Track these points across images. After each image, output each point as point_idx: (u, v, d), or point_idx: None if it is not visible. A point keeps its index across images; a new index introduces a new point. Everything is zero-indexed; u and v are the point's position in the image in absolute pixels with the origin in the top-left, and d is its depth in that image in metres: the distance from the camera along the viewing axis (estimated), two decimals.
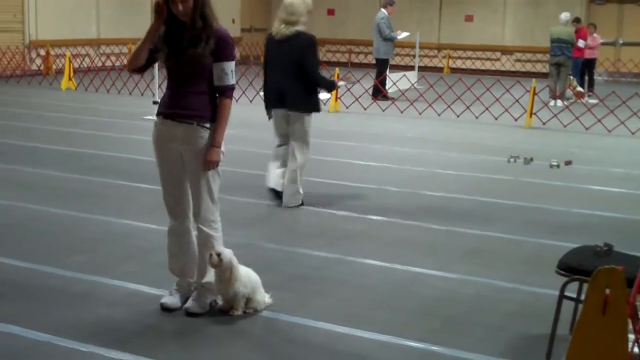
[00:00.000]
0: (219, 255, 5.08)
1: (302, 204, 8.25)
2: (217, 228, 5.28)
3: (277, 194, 8.26)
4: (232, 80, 5.14)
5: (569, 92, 18.54)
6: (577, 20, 19.59)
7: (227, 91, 5.15)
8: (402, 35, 19.04)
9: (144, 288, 5.72)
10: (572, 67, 18.84)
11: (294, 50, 7.98)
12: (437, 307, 5.58)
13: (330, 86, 8.77)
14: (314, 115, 8.32)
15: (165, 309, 5.30)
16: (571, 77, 18.88)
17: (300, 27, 8.08)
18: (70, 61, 19.06)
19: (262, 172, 9.87)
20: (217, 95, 5.16)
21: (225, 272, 5.12)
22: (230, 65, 5.11)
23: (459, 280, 6.15)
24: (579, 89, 18.89)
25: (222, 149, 5.15)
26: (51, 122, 13.72)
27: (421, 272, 6.29)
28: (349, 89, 16.86)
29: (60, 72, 20.54)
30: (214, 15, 5.07)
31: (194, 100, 5.09)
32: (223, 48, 5.06)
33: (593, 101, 17.28)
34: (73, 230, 7.25)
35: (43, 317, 5.16)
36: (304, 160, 8.25)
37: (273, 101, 8.18)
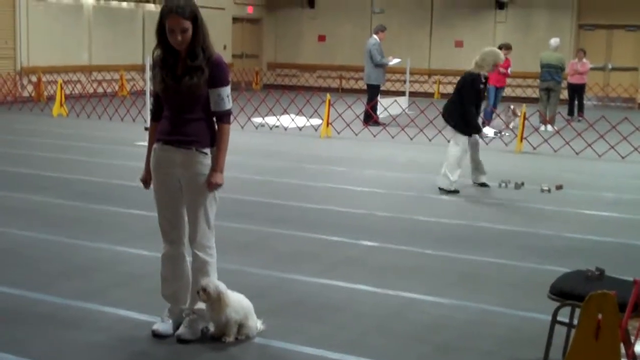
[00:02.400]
0: (204, 290, 5.09)
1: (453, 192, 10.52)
2: (212, 254, 5.28)
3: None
4: (228, 104, 5.17)
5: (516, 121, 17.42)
6: (505, 47, 17.78)
7: (224, 116, 5.18)
8: (394, 61, 19.14)
9: (135, 314, 5.70)
10: (493, 95, 17.89)
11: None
12: (430, 333, 5.57)
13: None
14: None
15: (157, 335, 5.28)
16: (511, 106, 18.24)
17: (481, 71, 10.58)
18: (61, 87, 19.08)
19: (255, 198, 9.91)
20: (214, 120, 5.18)
21: (214, 301, 5.11)
22: (226, 91, 5.15)
23: (451, 305, 6.15)
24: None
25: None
26: (42, 148, 13.71)
27: (414, 298, 6.29)
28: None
29: (51, 98, 20.55)
30: (212, 45, 5.10)
31: (192, 126, 5.11)
32: (218, 74, 5.09)
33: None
34: (63, 256, 7.23)
35: (33, 344, 5.13)
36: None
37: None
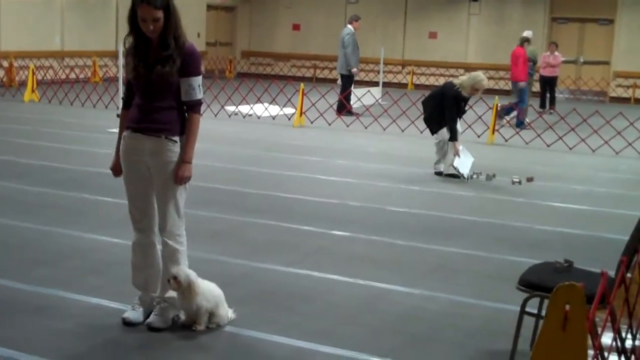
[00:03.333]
0: (175, 278, 5.09)
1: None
2: (182, 242, 5.28)
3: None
4: (199, 94, 5.16)
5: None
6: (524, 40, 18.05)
7: (195, 106, 5.17)
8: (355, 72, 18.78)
9: (106, 302, 5.69)
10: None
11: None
12: (401, 323, 5.61)
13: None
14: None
15: (128, 323, 5.27)
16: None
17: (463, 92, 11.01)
18: (33, 73, 18.92)
19: (227, 186, 9.90)
20: (185, 109, 5.17)
21: (185, 290, 5.12)
22: (198, 80, 5.14)
23: (422, 296, 6.19)
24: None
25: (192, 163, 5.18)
26: (14, 134, 13.60)
27: (385, 288, 6.32)
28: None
29: (23, 84, 20.34)
30: (184, 34, 5.09)
31: (162, 114, 5.10)
32: (190, 63, 5.08)
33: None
34: (35, 243, 7.19)
35: (4, 332, 5.10)
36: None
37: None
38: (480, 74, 11.24)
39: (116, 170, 5.36)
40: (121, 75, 18.48)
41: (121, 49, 18.86)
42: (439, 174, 11.41)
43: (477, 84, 10.99)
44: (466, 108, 11.43)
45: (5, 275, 6.19)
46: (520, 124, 16.71)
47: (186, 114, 5.18)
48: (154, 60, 5.03)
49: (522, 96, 17.33)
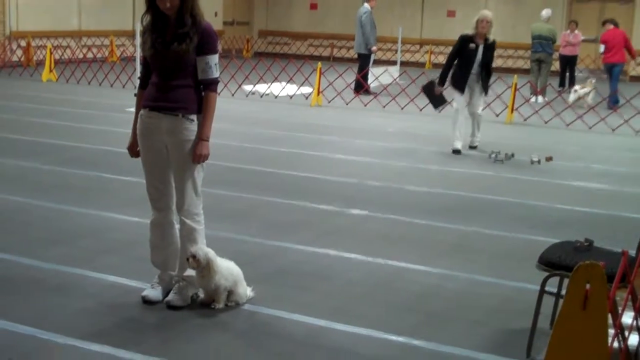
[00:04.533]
0: (194, 257, 5.09)
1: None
2: (200, 221, 5.28)
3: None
4: (216, 73, 5.15)
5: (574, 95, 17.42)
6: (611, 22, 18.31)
7: (211, 84, 5.15)
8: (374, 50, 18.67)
9: (124, 281, 5.70)
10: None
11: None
12: (419, 302, 5.59)
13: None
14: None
15: (147, 301, 5.28)
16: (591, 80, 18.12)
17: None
18: (51, 53, 18.96)
19: (245, 165, 9.90)
20: (201, 88, 5.15)
21: (204, 268, 5.12)
22: (214, 59, 5.12)
23: (441, 275, 6.17)
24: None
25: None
26: (31, 113, 13.64)
27: (404, 267, 6.31)
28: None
29: (41, 63, 20.40)
30: (201, 12, 5.07)
31: (179, 92, 5.08)
32: (207, 42, 5.06)
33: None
34: (53, 222, 7.21)
35: (23, 310, 5.13)
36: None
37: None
38: (482, 11, 11.64)
39: (133, 150, 5.35)
40: (138, 54, 18.53)
41: (138, 28, 18.89)
42: (473, 147, 11.75)
43: (478, 17, 11.31)
44: (480, 54, 11.20)
45: (23, 254, 6.21)
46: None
47: (203, 93, 5.17)
48: (171, 38, 5.01)
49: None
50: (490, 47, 11.29)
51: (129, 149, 5.38)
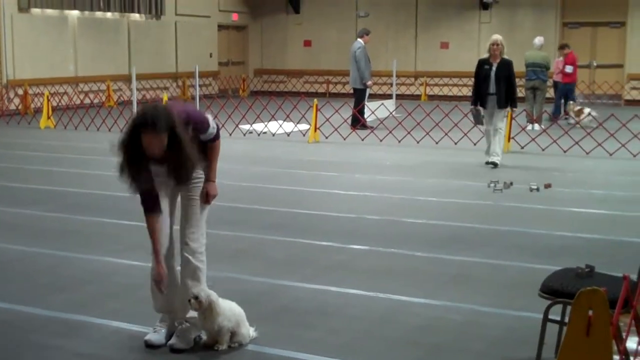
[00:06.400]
0: (196, 298, 5.09)
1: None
2: (203, 260, 5.33)
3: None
4: (215, 129, 5.29)
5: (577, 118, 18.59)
6: (563, 46, 19.80)
7: (215, 139, 5.34)
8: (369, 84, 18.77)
9: (127, 325, 5.69)
10: (561, 92, 19.50)
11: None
12: (422, 335, 5.57)
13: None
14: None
15: (150, 345, 5.27)
16: (570, 102, 19.01)
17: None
18: (48, 100, 19.03)
19: (245, 204, 9.90)
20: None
21: (206, 310, 5.11)
22: (211, 127, 5.24)
23: (443, 307, 6.15)
24: (577, 107, 19.02)
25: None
26: (30, 161, 13.67)
27: (405, 300, 6.29)
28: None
29: (38, 111, 20.47)
30: (194, 154, 5.10)
31: None
32: (200, 127, 5.20)
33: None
34: (55, 269, 7.20)
35: (24, 356, 5.11)
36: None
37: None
38: (493, 36, 13.06)
39: (161, 280, 5.20)
40: (135, 97, 18.64)
41: (134, 72, 18.99)
42: (491, 164, 12.80)
43: (490, 41, 12.77)
44: (493, 73, 12.55)
45: (24, 302, 6.20)
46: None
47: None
48: (172, 173, 5.09)
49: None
50: (504, 65, 12.58)
51: (157, 279, 5.21)
